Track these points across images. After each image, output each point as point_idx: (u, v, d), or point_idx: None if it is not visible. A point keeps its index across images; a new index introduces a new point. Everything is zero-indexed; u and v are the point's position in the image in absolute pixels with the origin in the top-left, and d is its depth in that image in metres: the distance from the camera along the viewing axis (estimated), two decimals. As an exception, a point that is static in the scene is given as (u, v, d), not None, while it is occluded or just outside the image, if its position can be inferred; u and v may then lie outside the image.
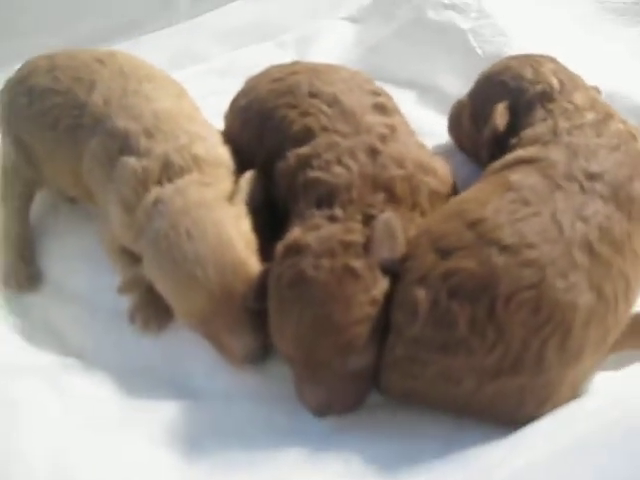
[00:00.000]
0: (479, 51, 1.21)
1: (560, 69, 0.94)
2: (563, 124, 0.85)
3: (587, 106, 0.88)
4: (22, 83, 1.04)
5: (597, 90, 0.95)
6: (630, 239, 0.76)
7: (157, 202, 0.87)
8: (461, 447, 0.72)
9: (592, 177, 0.78)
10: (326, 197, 0.83)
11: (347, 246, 0.77)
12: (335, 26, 1.39)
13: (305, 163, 0.87)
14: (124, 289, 0.91)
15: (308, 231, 0.80)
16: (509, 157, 0.85)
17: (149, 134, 0.92)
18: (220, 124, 1.04)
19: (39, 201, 1.11)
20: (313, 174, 0.85)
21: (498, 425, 0.73)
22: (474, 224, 0.75)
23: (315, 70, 0.98)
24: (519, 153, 0.84)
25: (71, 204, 1.10)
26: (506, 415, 0.74)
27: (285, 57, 1.26)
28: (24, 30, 1.38)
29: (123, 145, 0.92)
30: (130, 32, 1.38)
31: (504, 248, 0.72)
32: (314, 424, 0.79)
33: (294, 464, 0.74)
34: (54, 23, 1.38)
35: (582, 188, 0.77)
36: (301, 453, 0.76)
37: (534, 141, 0.85)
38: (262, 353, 0.84)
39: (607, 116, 0.87)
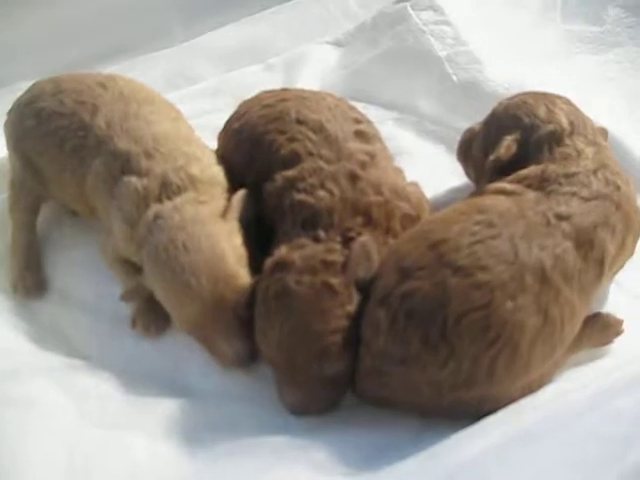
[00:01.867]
0: (454, 77, 1.30)
1: (572, 111, 0.98)
2: (556, 170, 0.90)
3: (588, 154, 0.93)
4: (30, 105, 1.11)
5: (604, 132, 1.01)
6: (580, 275, 0.83)
7: (157, 218, 0.95)
8: (431, 438, 0.80)
9: (559, 216, 0.85)
10: (310, 219, 0.92)
11: (327, 265, 0.86)
12: (321, 50, 1.47)
13: (291, 185, 0.96)
14: (126, 297, 0.99)
15: (294, 250, 0.89)
16: (491, 186, 0.91)
17: (149, 155, 1.00)
18: (213, 142, 1.12)
19: (44, 214, 1.19)
20: (299, 197, 0.94)
21: (459, 422, 0.81)
22: (436, 245, 0.82)
23: (303, 97, 1.06)
24: (502, 185, 0.90)
25: (74, 217, 1.17)
26: (466, 416, 0.81)
27: (273, 78, 1.36)
28: (24, 50, 1.45)
29: (125, 165, 1.00)
30: (126, 54, 1.46)
31: (458, 269, 0.79)
32: (297, 420, 0.88)
33: (277, 454, 0.82)
34: (53, 44, 1.45)
35: (548, 223, 0.84)
36: (284, 445, 0.84)
37: (522, 179, 0.90)
38: (250, 357, 0.93)
39: (601, 166, 0.92)
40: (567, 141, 0.93)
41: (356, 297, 0.86)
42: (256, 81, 1.26)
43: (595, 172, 0.90)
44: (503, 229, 0.82)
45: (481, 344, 0.77)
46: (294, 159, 0.98)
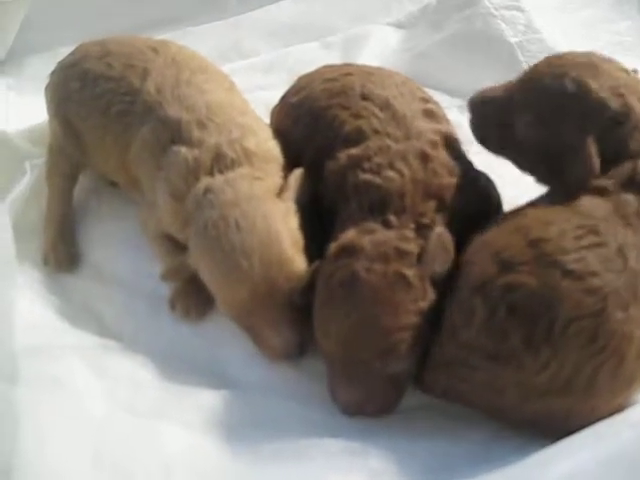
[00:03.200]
0: (525, 65, 1.21)
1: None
2: None
3: None
4: (74, 67, 1.05)
5: None
6: None
7: (207, 192, 0.88)
8: (501, 452, 0.72)
9: None
10: (379, 202, 0.84)
11: (401, 254, 0.78)
12: (382, 31, 1.39)
13: (356, 164, 0.88)
14: (167, 276, 0.92)
15: (363, 234, 0.81)
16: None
17: (202, 125, 0.92)
18: (265, 118, 1.04)
19: (82, 185, 1.12)
20: (364, 177, 0.86)
21: (536, 435, 0.74)
22: (536, 242, 0.75)
23: (368, 73, 0.98)
24: (601, 182, 0.81)
25: (113, 188, 1.11)
26: (547, 430, 0.74)
27: (330, 58, 1.27)
28: (69, 15, 1.39)
29: (175, 134, 0.92)
30: (176, 24, 1.39)
31: (568, 272, 0.72)
32: (348, 422, 0.80)
33: (330, 460, 0.75)
34: (99, 10, 1.40)
35: None
36: (337, 449, 0.76)
37: (609, 177, 0.81)
38: (300, 350, 0.85)
39: None
40: None
41: (430, 293, 0.78)
42: (313, 59, 1.19)
43: None
44: (610, 237, 0.75)
45: (586, 352, 0.71)
46: (359, 137, 0.90)
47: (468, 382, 0.76)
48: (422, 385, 0.81)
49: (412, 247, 0.79)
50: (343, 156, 0.89)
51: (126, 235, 1.04)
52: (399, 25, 1.40)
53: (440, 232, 0.80)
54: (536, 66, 0.88)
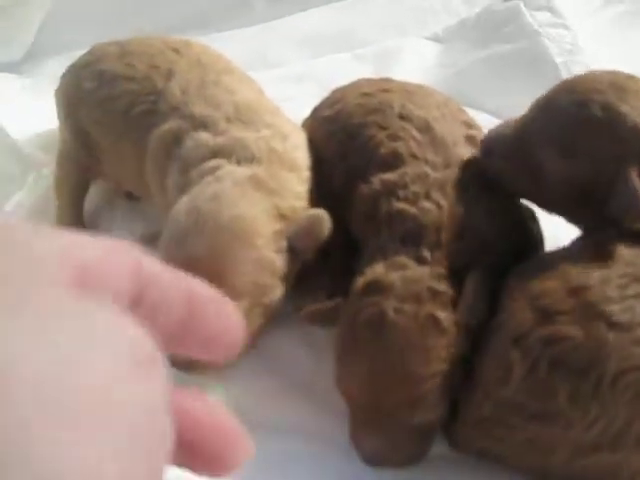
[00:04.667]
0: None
1: None
2: None
3: None
4: (89, 67, 0.98)
5: None
6: None
7: (216, 169, 0.80)
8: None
9: None
10: (412, 234, 0.75)
11: (434, 294, 0.70)
12: (418, 44, 1.31)
13: (391, 191, 0.80)
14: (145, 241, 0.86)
15: (392, 269, 0.73)
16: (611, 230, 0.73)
17: (229, 120, 0.85)
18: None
19: (94, 196, 1.06)
20: (399, 205, 0.78)
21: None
22: (577, 291, 0.67)
23: (408, 91, 0.90)
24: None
25: (128, 201, 1.04)
26: None
27: (362, 70, 1.19)
28: (87, 16, 1.33)
29: (198, 126, 0.85)
30: (199, 29, 1.30)
31: (614, 324, 0.65)
32: (372, 473, 0.72)
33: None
34: (119, 11, 1.33)
35: None
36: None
37: None
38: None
39: None
40: None
41: (464, 339, 0.70)
42: (344, 70, 1.11)
43: None
44: None
45: (637, 405, 0.64)
46: (395, 161, 0.82)
47: (506, 443, 0.68)
48: (454, 444, 0.73)
49: (446, 287, 0.71)
50: (377, 181, 0.81)
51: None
52: (436, 39, 1.32)
53: (479, 277, 0.72)
54: (553, 92, 0.77)
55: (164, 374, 0.25)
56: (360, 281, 0.73)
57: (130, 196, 1.03)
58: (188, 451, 0.34)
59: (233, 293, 0.72)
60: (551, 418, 0.65)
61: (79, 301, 0.25)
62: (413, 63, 1.26)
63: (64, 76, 1.01)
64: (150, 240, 0.85)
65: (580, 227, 0.80)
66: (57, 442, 0.22)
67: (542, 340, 0.66)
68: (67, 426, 0.22)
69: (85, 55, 1.01)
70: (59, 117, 1.03)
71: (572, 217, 0.79)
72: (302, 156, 0.87)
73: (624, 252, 0.70)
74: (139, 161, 0.91)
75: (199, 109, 0.87)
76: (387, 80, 0.96)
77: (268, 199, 0.79)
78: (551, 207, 0.80)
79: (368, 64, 1.26)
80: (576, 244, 0.77)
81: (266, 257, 0.77)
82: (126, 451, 0.24)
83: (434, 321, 0.69)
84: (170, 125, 0.87)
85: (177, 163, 0.84)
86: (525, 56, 1.19)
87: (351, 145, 0.86)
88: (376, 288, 0.71)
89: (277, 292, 0.79)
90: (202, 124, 0.85)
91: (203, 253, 0.73)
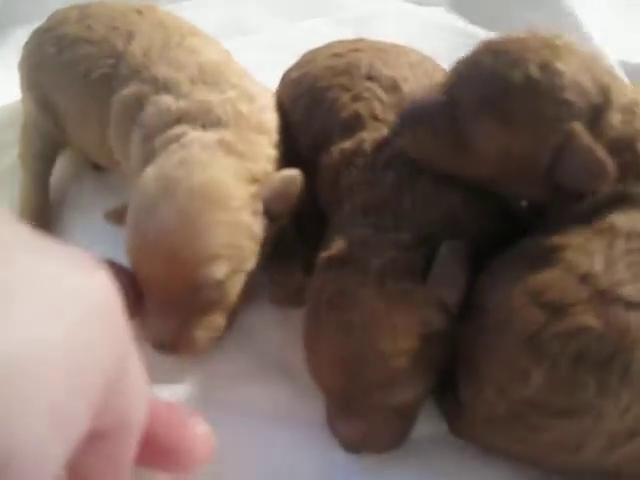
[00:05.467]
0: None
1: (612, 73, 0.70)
2: None
3: None
4: (49, 32, 0.94)
5: None
6: None
7: (180, 137, 0.76)
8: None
9: None
10: (373, 204, 0.70)
11: (399, 264, 0.65)
12: (399, 9, 1.26)
13: (350, 161, 0.74)
14: (111, 217, 0.80)
15: (354, 242, 0.67)
16: (598, 197, 0.66)
17: (193, 82, 0.81)
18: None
19: (61, 170, 1.02)
20: (358, 175, 0.73)
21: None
22: (584, 278, 0.61)
23: (379, 49, 0.85)
24: (610, 194, 0.66)
25: (95, 173, 1.00)
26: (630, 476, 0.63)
27: (342, 36, 1.15)
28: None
29: (160, 89, 0.81)
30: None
31: (631, 305, 0.59)
32: (352, 460, 0.69)
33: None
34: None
35: None
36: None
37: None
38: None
39: None
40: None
41: (438, 316, 0.65)
42: (323, 36, 1.05)
43: None
44: None
45: None
46: (356, 123, 0.76)
47: (529, 443, 0.62)
48: (458, 433, 0.68)
49: (412, 256, 0.65)
50: (336, 151, 0.76)
51: (105, 228, 0.92)
52: (419, 2, 1.27)
53: (454, 245, 0.66)
54: (478, 54, 0.68)
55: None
56: (322, 258, 0.68)
57: (97, 167, 0.99)
58: (148, 448, 0.39)
59: (210, 258, 0.69)
60: (580, 412, 0.59)
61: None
62: (394, 27, 1.21)
63: (26, 44, 0.98)
64: (116, 217, 0.80)
65: (532, 203, 0.74)
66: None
67: (559, 337, 0.60)
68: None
69: (46, 21, 0.97)
70: (22, 88, 0.99)
71: (517, 193, 0.73)
72: (271, 118, 0.82)
73: (619, 222, 0.64)
74: (102, 127, 0.87)
75: (161, 71, 0.82)
76: (360, 40, 0.91)
77: (239, 162, 0.75)
78: (489, 184, 0.71)
79: (349, 28, 1.21)
80: (554, 226, 0.68)
81: (242, 220, 0.72)
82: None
83: (400, 294, 0.63)
84: (131, 89, 0.83)
85: (140, 130, 0.80)
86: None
87: (316, 109, 0.81)
88: (338, 264, 0.66)
89: (256, 257, 0.75)
90: (164, 87, 0.81)
91: (175, 220, 0.69)
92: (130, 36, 0.87)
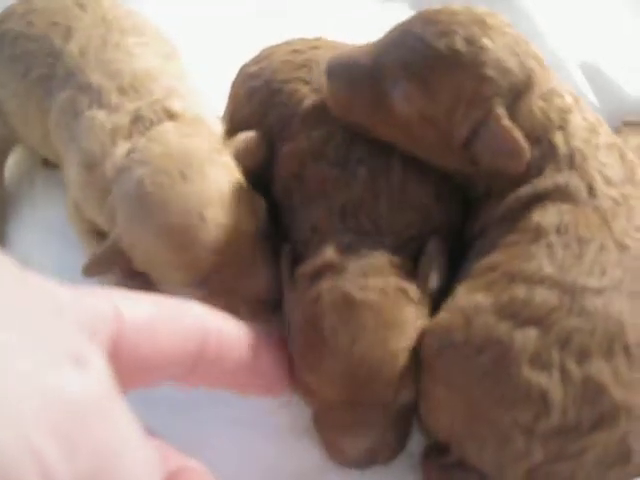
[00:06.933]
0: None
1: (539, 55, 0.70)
2: (577, 144, 0.67)
3: (594, 118, 0.70)
4: None
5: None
6: None
7: (130, 152, 0.73)
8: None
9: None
10: (350, 206, 0.69)
11: (395, 266, 0.65)
12: (363, 5, 1.24)
13: (319, 153, 0.73)
14: (90, 270, 0.74)
15: (341, 248, 0.66)
16: (520, 194, 0.67)
17: (123, 91, 0.79)
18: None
19: (16, 166, 1.00)
20: (329, 172, 0.72)
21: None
22: (543, 279, 0.61)
23: (338, 48, 0.83)
24: (529, 189, 0.67)
25: (48, 170, 0.98)
26: None
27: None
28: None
29: (93, 101, 0.79)
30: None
31: (599, 291, 0.59)
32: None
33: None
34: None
35: (616, 202, 0.64)
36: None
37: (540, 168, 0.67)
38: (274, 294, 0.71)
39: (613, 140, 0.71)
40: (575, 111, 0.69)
41: (427, 310, 0.65)
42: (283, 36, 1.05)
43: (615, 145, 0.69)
44: (598, 235, 0.62)
45: None
46: (320, 115, 0.75)
47: (577, 474, 0.58)
48: None
49: (402, 259, 0.66)
50: (304, 138, 0.75)
51: (58, 223, 0.90)
52: None
53: (437, 244, 0.67)
54: (411, 22, 0.70)
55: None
56: (309, 266, 0.66)
57: (47, 163, 0.97)
58: None
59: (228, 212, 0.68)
60: (611, 416, 0.57)
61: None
62: (358, 24, 1.20)
63: None
64: (95, 269, 0.75)
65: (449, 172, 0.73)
66: None
67: (557, 343, 0.58)
68: None
69: None
70: None
71: (439, 164, 0.72)
72: (204, 115, 0.81)
73: (544, 221, 0.64)
74: (44, 126, 0.85)
75: (95, 78, 0.80)
76: (319, 39, 0.90)
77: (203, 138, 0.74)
78: (410, 150, 0.72)
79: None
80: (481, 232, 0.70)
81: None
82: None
83: (403, 292, 0.63)
84: (67, 94, 0.81)
85: (78, 154, 0.78)
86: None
87: (273, 101, 0.80)
88: (330, 270, 0.64)
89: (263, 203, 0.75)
90: (97, 99, 0.79)
91: (180, 205, 0.67)
92: (69, 33, 0.85)
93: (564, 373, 0.57)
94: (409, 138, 0.70)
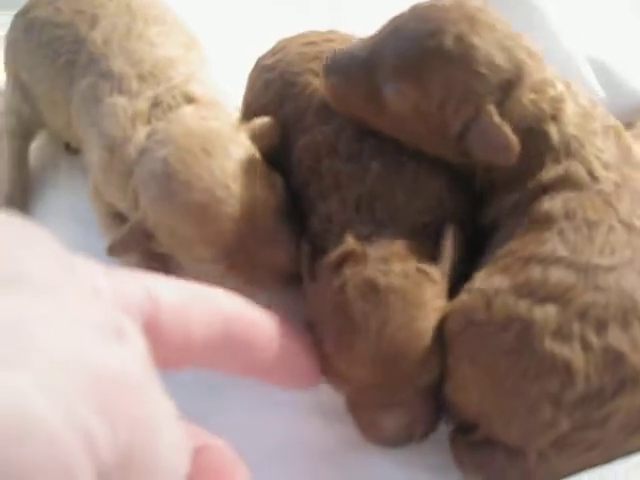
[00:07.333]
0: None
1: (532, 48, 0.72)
2: (571, 132, 0.70)
3: (588, 103, 0.72)
4: (23, 16, 0.95)
5: None
6: None
7: (150, 135, 0.77)
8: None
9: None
10: (365, 198, 0.72)
11: (413, 250, 0.67)
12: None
13: (332, 147, 0.76)
14: (115, 250, 0.78)
15: (360, 240, 0.69)
16: (527, 188, 0.70)
17: (142, 78, 0.82)
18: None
19: (39, 151, 1.04)
20: (342, 167, 0.75)
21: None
22: (558, 260, 0.64)
23: (351, 40, 0.86)
24: (534, 182, 0.70)
25: (71, 156, 1.01)
26: None
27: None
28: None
29: (114, 87, 0.82)
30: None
31: (611, 269, 0.63)
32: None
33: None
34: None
35: (617, 185, 0.68)
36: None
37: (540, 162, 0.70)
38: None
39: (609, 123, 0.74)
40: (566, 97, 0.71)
41: (446, 291, 0.68)
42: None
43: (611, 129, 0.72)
44: (604, 216, 0.66)
45: None
46: (330, 109, 0.78)
47: (604, 441, 0.62)
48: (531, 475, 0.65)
49: (419, 243, 0.69)
50: (318, 132, 0.78)
51: (79, 208, 0.94)
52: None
53: (454, 229, 0.70)
54: (404, 18, 0.72)
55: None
56: (332, 257, 0.68)
57: (69, 147, 1.01)
58: None
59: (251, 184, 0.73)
60: (632, 379, 0.60)
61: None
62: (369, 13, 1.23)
63: (8, 30, 0.98)
64: (121, 249, 0.79)
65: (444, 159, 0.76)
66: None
67: (576, 316, 0.61)
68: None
69: (24, 5, 0.98)
70: (5, 68, 1.00)
71: (435, 154, 0.75)
72: (222, 100, 0.85)
73: (554, 209, 0.68)
74: (68, 112, 0.88)
75: (117, 64, 0.84)
76: (333, 31, 0.93)
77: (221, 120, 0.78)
78: (407, 141, 0.75)
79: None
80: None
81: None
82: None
83: (425, 274, 0.66)
84: (88, 81, 0.85)
85: (100, 139, 0.81)
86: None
87: (287, 92, 0.83)
88: (352, 259, 0.67)
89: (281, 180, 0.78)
90: (118, 85, 0.82)
91: (203, 181, 0.71)
92: (94, 21, 0.88)
93: (585, 344, 0.60)
94: (404, 131, 0.73)
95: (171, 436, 0.31)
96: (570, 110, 0.71)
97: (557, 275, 0.63)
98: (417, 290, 0.65)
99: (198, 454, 0.37)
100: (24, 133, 1.00)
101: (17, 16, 0.96)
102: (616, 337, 0.61)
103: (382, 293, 0.64)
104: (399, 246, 0.68)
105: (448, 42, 0.68)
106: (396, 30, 0.71)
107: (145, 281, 0.37)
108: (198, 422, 0.40)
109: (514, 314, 0.63)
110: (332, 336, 0.65)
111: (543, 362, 0.61)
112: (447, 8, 0.70)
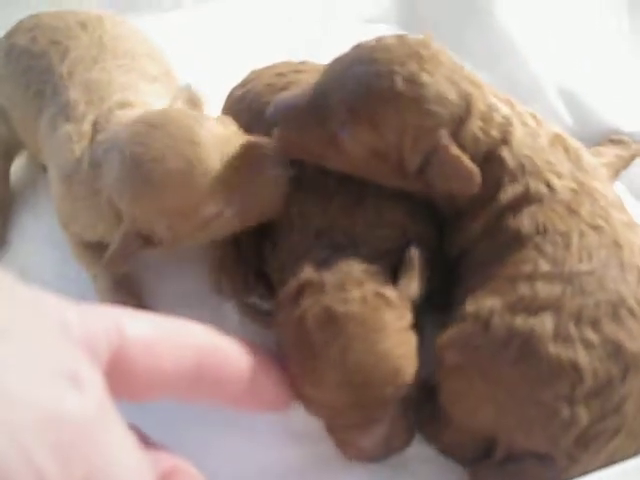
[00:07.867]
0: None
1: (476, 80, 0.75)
2: (523, 152, 0.74)
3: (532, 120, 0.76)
4: (7, 40, 0.96)
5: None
6: None
7: (100, 144, 0.79)
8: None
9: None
10: (326, 228, 0.75)
11: (371, 275, 0.69)
12: (349, 26, 1.29)
13: (297, 179, 0.78)
14: (112, 262, 0.77)
15: (319, 266, 0.70)
16: (490, 211, 0.73)
17: (90, 102, 0.84)
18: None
19: (20, 172, 1.06)
20: (307, 202, 0.78)
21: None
22: (543, 276, 0.68)
23: (320, 71, 0.89)
24: (496, 205, 0.73)
25: (45, 174, 1.03)
26: None
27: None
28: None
29: (66, 116, 0.84)
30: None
31: (592, 272, 0.67)
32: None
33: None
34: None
35: (575, 191, 0.72)
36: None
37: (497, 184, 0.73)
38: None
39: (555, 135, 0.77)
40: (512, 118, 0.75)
41: (410, 314, 0.70)
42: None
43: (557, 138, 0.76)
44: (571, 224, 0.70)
45: None
46: None
47: (625, 426, 0.66)
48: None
49: (377, 267, 0.70)
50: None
51: (57, 234, 0.94)
52: (370, 21, 1.31)
53: (415, 253, 0.72)
54: (349, 60, 0.72)
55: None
56: (291, 287, 0.70)
57: (45, 169, 1.02)
58: None
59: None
60: (635, 363, 0.65)
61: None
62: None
63: None
64: (115, 263, 0.79)
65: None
66: None
67: (573, 317, 0.65)
68: None
69: (11, 27, 0.98)
70: None
71: (389, 185, 0.77)
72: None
73: (523, 227, 0.71)
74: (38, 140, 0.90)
75: (74, 94, 0.85)
76: (304, 62, 0.96)
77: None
78: (367, 178, 0.76)
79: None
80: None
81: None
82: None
83: (383, 298, 0.67)
84: (49, 113, 0.86)
85: (55, 171, 0.84)
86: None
87: (255, 125, 0.84)
88: (310, 288, 0.68)
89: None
90: (68, 113, 0.84)
91: (174, 165, 0.72)
92: (65, 53, 0.89)
93: (585, 341, 0.64)
94: (364, 170, 0.75)
95: (129, 468, 0.32)
96: (518, 132, 0.74)
97: (545, 289, 0.67)
98: (375, 315, 0.66)
99: (166, 477, 0.39)
100: (3, 154, 1.01)
101: (2, 39, 0.97)
102: (612, 330, 0.65)
103: (340, 322, 0.65)
104: (356, 269, 0.69)
105: (398, 84, 0.69)
106: (342, 73, 0.72)
107: (115, 316, 0.38)
108: (177, 449, 0.42)
109: (513, 329, 0.66)
110: (297, 365, 0.66)
111: (551, 366, 0.64)
112: (390, 48, 0.71)
